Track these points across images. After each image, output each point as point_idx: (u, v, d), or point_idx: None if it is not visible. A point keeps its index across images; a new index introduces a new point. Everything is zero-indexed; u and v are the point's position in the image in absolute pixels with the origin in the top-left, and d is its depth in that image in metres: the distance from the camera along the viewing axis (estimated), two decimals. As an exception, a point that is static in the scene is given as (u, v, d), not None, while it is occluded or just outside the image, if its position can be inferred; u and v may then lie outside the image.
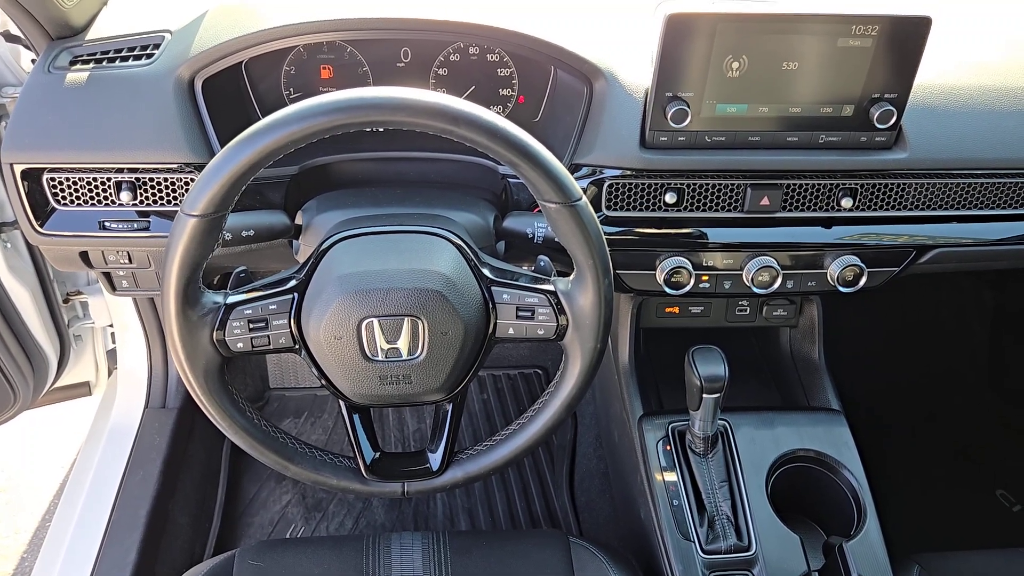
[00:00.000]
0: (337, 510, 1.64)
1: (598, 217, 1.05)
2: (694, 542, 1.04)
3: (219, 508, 1.60)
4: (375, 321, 0.85)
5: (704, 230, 1.07)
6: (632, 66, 1.05)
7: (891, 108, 1.00)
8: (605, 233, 1.05)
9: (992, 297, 1.92)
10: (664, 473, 1.10)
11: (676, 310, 1.25)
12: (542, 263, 0.94)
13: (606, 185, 1.04)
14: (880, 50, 0.97)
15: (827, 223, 1.09)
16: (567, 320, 0.89)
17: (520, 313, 0.89)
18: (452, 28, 1.06)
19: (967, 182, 1.08)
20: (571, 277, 0.89)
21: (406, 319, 0.86)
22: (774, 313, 1.25)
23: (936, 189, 1.08)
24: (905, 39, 0.96)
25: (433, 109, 0.77)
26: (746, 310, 1.25)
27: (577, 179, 1.04)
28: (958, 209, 1.10)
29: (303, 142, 0.78)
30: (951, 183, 1.07)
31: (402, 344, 0.87)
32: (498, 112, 1.15)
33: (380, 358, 0.87)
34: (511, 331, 0.91)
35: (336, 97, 0.77)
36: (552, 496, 1.68)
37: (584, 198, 0.84)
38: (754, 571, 1.03)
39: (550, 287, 0.89)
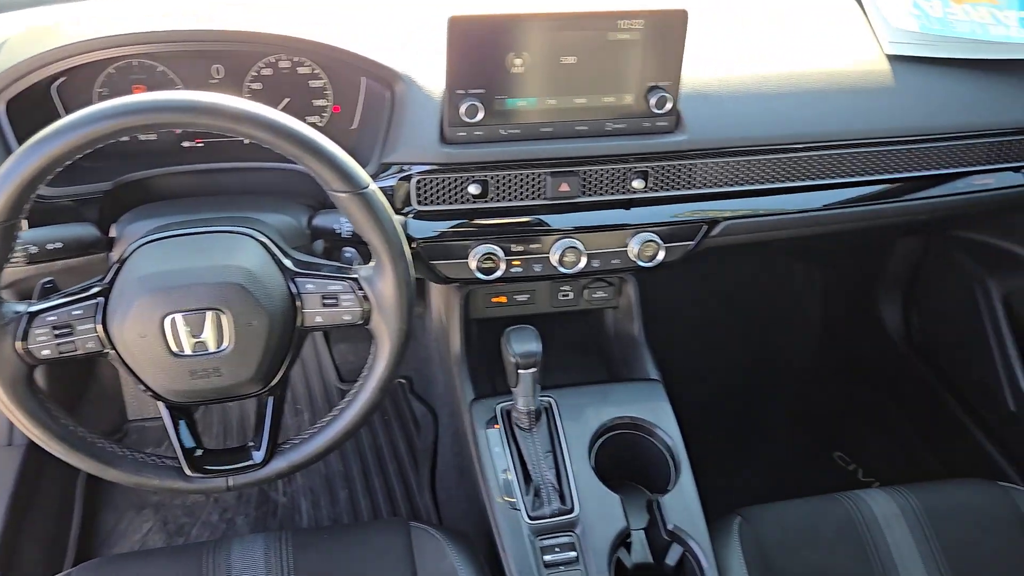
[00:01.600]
0: (200, 532, 1.64)
1: (409, 212, 1.12)
2: (521, 511, 1.10)
3: (73, 543, 1.57)
4: (178, 316, 0.88)
5: (511, 218, 1.15)
6: (431, 68, 1.12)
7: (666, 95, 1.10)
8: (421, 230, 1.13)
9: (823, 273, 2.08)
10: (493, 450, 1.16)
11: (504, 299, 1.32)
12: (347, 254, 0.99)
13: (414, 181, 1.10)
14: (648, 42, 1.06)
15: (626, 205, 1.18)
16: (371, 305, 0.94)
17: (325, 301, 0.94)
18: (256, 39, 1.10)
19: (745, 160, 1.19)
20: (371, 264, 0.94)
21: (208, 312, 0.89)
22: (594, 295, 1.33)
23: (718, 168, 1.18)
24: (667, 31, 1.06)
25: (213, 109, 0.82)
26: (569, 295, 1.33)
27: (387, 176, 1.11)
28: (741, 185, 1.20)
29: (89, 147, 0.81)
30: (731, 161, 1.18)
31: (207, 337, 0.90)
32: (315, 122, 1.20)
33: (188, 352, 0.90)
34: (318, 319, 0.95)
35: (117, 102, 0.81)
36: (416, 497, 1.72)
37: (372, 185, 0.90)
38: (576, 531, 1.09)
39: (352, 274, 0.94)
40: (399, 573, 1.09)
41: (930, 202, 1.29)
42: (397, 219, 0.94)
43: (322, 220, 1.07)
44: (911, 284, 1.89)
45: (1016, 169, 1.32)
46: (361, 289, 0.94)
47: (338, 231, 1.05)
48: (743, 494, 1.32)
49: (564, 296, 1.33)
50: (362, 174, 0.89)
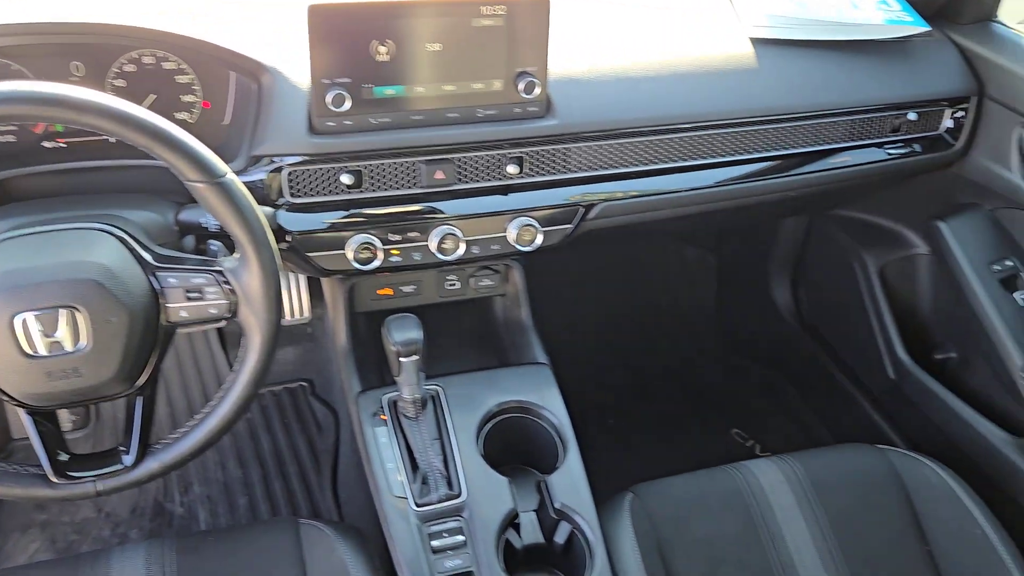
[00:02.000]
0: (92, 548, 1.58)
1: (283, 204, 1.11)
2: (407, 499, 1.10)
3: (-49, 569, 1.50)
4: (29, 315, 0.85)
5: (387, 208, 1.14)
6: (298, 59, 1.11)
7: (534, 80, 1.12)
8: (296, 222, 1.11)
9: (716, 256, 2.15)
10: (380, 441, 1.15)
11: (390, 291, 1.31)
12: (213, 247, 0.98)
13: (285, 173, 1.09)
14: (512, 28, 1.08)
15: (504, 191, 1.19)
16: (237, 297, 0.93)
17: (189, 294, 0.92)
18: (115, 32, 1.08)
19: (618, 143, 1.21)
20: (236, 255, 0.93)
21: (62, 311, 0.86)
22: (481, 284, 1.34)
23: (592, 151, 1.20)
24: (530, 16, 1.08)
25: (54, 99, 0.80)
26: (456, 284, 1.33)
27: (257, 169, 1.09)
28: (615, 168, 1.23)
29: None
30: (604, 144, 1.20)
31: (63, 336, 0.87)
32: (185, 119, 1.18)
33: (42, 353, 0.87)
34: (183, 313, 0.93)
35: None
36: (318, 498, 1.70)
37: (230, 174, 0.89)
38: (464, 515, 1.10)
39: (216, 267, 0.93)
40: (288, 571, 1.08)
41: (798, 179, 1.34)
42: (261, 209, 0.93)
43: (188, 215, 1.04)
44: (798, 263, 1.96)
45: (879, 145, 1.39)
46: (226, 281, 0.92)
47: (205, 225, 1.03)
48: (642, 473, 1.35)
49: (451, 286, 1.33)
50: (218, 163, 0.88)
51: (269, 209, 1.08)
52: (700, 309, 2.17)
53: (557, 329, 1.51)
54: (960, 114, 1.39)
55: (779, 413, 2.00)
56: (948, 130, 1.41)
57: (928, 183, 1.51)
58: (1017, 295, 1.37)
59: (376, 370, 1.30)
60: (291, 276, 1.40)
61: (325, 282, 1.33)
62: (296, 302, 1.64)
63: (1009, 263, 1.39)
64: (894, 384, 1.67)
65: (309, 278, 1.61)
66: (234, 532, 1.13)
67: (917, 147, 1.41)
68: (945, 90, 1.37)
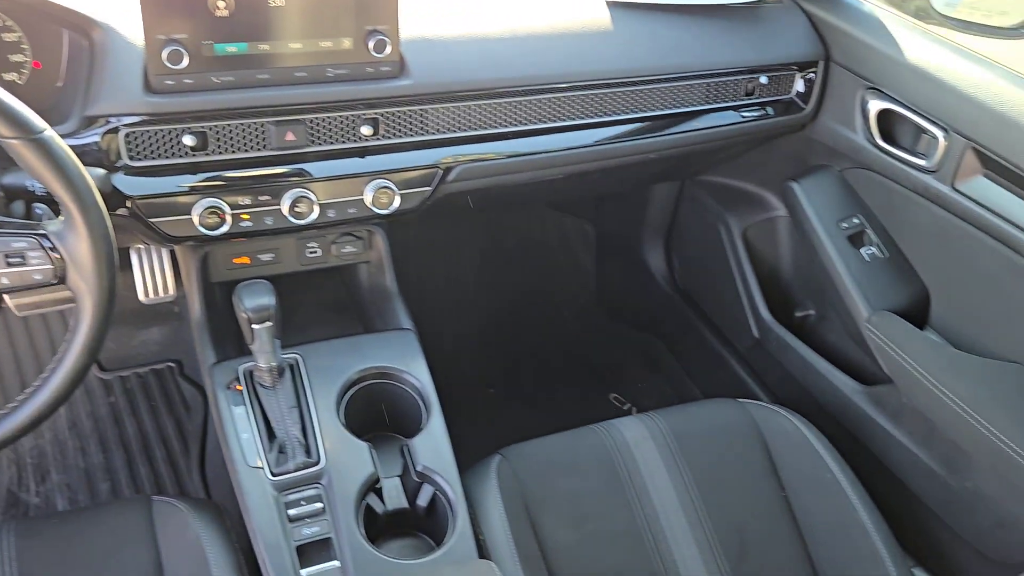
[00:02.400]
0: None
1: (121, 167, 1.06)
2: (264, 468, 1.07)
3: None
4: None
5: (235, 171, 1.10)
6: (135, 14, 1.05)
7: (385, 38, 1.09)
8: (136, 186, 1.06)
9: (593, 225, 2.18)
10: (234, 412, 1.12)
11: (247, 260, 1.27)
12: (38, 211, 0.92)
13: (123, 134, 1.04)
14: None
15: (361, 153, 1.17)
16: (64, 262, 0.88)
17: (9, 260, 0.87)
18: None
19: (476, 104, 1.20)
20: (61, 217, 0.88)
21: None
22: (343, 250, 1.31)
23: (449, 113, 1.19)
24: None
25: None
26: (317, 251, 1.30)
27: (92, 131, 1.03)
28: (474, 130, 1.22)
29: None
30: (461, 106, 1.19)
31: None
32: (13, 80, 1.10)
33: None
34: (4, 280, 0.87)
35: None
36: (186, 479, 1.65)
37: (49, 130, 0.84)
38: (322, 481, 1.08)
39: (39, 230, 0.87)
40: (140, 551, 1.04)
41: (658, 141, 1.36)
42: (88, 169, 0.88)
43: (12, 178, 0.98)
44: (670, 230, 2.00)
45: (735, 108, 1.42)
46: (51, 245, 0.87)
47: (31, 189, 0.97)
48: (519, 438, 1.36)
49: (312, 253, 1.30)
50: (33, 118, 0.82)
51: (99, 171, 1.03)
52: (580, 278, 2.20)
53: (437, 300, 1.49)
54: (810, 77, 1.45)
55: (655, 377, 2.05)
56: (799, 94, 1.46)
57: (785, 147, 1.56)
58: (863, 251, 1.43)
59: (235, 342, 1.26)
60: (153, 251, 1.34)
61: (178, 251, 1.28)
62: (160, 279, 1.57)
63: (856, 220, 1.45)
64: (758, 342, 1.73)
65: (173, 253, 1.55)
66: (81, 514, 1.08)
67: (770, 110, 1.46)
68: (794, 54, 1.42)
